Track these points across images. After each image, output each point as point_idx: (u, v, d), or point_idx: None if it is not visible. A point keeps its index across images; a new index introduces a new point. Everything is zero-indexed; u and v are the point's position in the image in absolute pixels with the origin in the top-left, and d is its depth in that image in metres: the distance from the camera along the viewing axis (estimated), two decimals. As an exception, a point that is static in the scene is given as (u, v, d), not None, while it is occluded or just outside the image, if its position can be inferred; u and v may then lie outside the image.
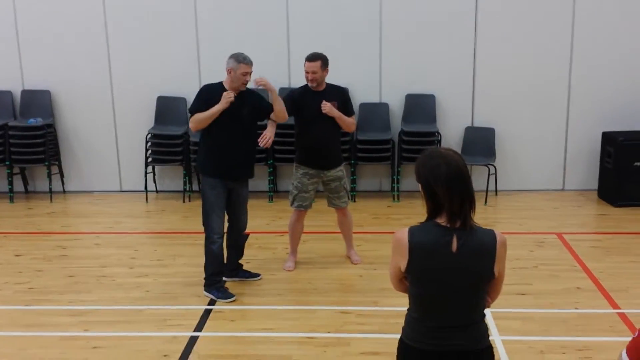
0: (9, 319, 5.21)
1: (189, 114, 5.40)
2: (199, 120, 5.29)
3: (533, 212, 7.65)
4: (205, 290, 5.54)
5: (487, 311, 2.79)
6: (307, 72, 5.72)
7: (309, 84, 5.77)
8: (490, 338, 2.80)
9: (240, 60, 5.31)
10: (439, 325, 2.70)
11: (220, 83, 5.43)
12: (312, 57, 5.70)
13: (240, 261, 5.89)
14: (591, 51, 8.03)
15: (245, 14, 8.08)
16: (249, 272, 5.91)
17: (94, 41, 8.19)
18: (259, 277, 5.89)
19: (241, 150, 5.45)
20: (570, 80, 8.12)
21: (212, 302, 5.41)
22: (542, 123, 8.23)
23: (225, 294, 5.48)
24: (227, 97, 5.26)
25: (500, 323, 4.92)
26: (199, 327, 5.01)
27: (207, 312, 5.25)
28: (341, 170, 5.96)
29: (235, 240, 5.74)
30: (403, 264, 2.68)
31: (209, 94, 5.35)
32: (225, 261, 5.65)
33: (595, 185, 8.20)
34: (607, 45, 8.01)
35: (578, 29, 7.98)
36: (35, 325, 5.08)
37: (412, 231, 2.67)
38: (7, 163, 8.11)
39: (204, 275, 5.55)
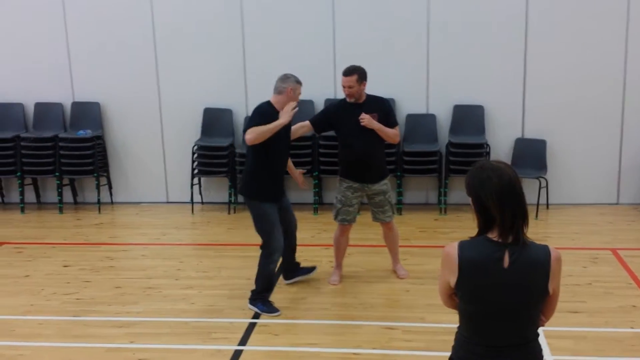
0: (57, 330, 5.26)
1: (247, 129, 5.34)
2: (261, 131, 5.19)
3: (586, 227, 7.44)
4: (250, 303, 5.51)
5: (539, 330, 2.67)
6: (343, 87, 5.65)
7: (347, 99, 5.71)
8: (544, 358, 2.69)
9: (299, 81, 5.42)
10: (491, 344, 2.60)
11: (269, 103, 5.41)
12: (348, 72, 5.60)
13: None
14: (646, 61, 7.80)
15: (292, 25, 8.09)
16: (306, 268, 6.05)
17: (143, 54, 8.31)
18: (315, 270, 6.07)
19: (286, 166, 5.63)
20: (624, 91, 7.89)
21: (256, 316, 5.37)
22: (595, 134, 8.01)
23: (270, 308, 5.45)
24: (292, 109, 5.28)
25: (553, 342, 4.76)
26: (244, 341, 4.98)
27: (251, 326, 5.21)
28: (385, 184, 5.86)
29: (291, 242, 5.82)
30: (453, 279, 2.60)
31: (268, 113, 5.32)
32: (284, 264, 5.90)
33: (652, 199, 7.96)
34: (663, 54, 7.78)
35: (632, 37, 7.77)
36: (82, 336, 5.12)
37: (462, 246, 2.59)
38: (57, 174, 8.26)
39: (252, 289, 5.53)
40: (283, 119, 5.24)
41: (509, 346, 2.60)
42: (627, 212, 7.90)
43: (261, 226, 5.42)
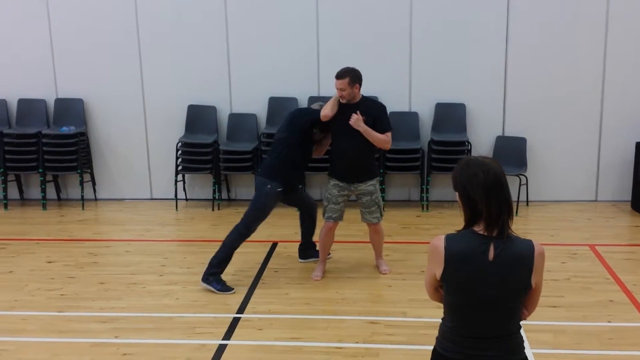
0: (42, 325, 5.26)
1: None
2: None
3: (565, 223, 7.56)
4: (204, 281, 5.76)
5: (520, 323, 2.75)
6: (337, 89, 5.70)
7: (341, 100, 5.74)
8: (525, 351, 2.76)
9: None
10: (474, 335, 2.66)
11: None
12: (340, 75, 5.64)
13: (267, 269, 6.12)
14: (624, 60, 7.93)
15: (276, 24, 8.12)
16: (317, 251, 6.28)
17: (127, 50, 8.30)
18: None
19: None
20: (603, 89, 8.03)
21: (240, 311, 5.41)
22: (575, 133, 8.14)
23: (224, 287, 5.73)
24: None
25: (532, 336, 4.85)
26: (228, 336, 5.01)
27: (235, 321, 5.25)
28: (373, 185, 5.86)
29: (310, 223, 6.27)
30: (439, 271, 2.66)
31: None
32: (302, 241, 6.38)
33: (629, 197, 8.09)
34: (641, 54, 7.92)
35: (611, 37, 7.89)
36: (66, 332, 5.13)
37: (449, 239, 2.65)
38: (40, 171, 8.23)
39: (207, 266, 5.79)
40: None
41: (491, 337, 2.66)
42: (605, 209, 8.03)
43: (254, 210, 5.74)
